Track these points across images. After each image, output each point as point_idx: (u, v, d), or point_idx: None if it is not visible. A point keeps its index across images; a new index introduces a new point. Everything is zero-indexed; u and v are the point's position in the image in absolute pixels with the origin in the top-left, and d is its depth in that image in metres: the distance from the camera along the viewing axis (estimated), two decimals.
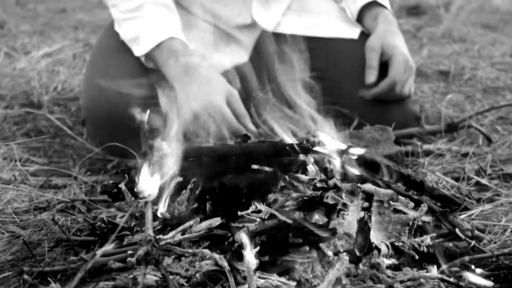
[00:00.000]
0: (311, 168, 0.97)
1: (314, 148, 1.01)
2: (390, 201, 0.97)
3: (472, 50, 3.18)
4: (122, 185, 1.00)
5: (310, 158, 1.00)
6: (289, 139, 1.12)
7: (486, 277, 0.98)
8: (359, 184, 0.97)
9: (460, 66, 2.77)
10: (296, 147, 1.01)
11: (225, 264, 0.89)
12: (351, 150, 1.03)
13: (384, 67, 1.65)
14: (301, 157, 1.00)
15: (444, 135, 1.68)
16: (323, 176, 0.97)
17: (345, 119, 1.62)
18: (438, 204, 1.10)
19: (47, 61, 2.61)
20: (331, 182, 0.94)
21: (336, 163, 1.01)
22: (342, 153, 1.02)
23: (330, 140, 1.04)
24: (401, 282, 0.93)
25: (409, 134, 1.66)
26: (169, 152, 1.02)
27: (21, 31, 3.91)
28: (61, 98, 2.07)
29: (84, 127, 1.75)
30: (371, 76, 1.63)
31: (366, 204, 0.95)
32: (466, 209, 1.17)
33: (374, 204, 0.95)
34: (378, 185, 1.02)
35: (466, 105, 2.06)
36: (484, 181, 1.33)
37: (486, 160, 1.44)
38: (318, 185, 0.94)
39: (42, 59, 2.61)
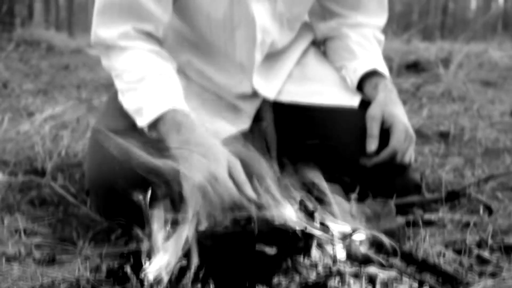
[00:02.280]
0: (314, 252, 0.98)
1: (317, 233, 1.02)
2: (394, 283, 0.98)
3: (471, 110, 3.21)
4: (127, 269, 1.01)
5: (313, 241, 1.01)
6: (290, 211, 1.13)
7: None
8: (362, 267, 0.98)
9: (460, 127, 2.80)
10: (299, 233, 1.01)
11: None
12: (354, 236, 1.04)
13: (384, 135, 1.66)
14: (304, 241, 1.01)
15: (445, 203, 1.69)
16: (326, 261, 0.98)
17: (347, 187, 1.63)
18: (441, 281, 1.10)
19: (51, 124, 2.63)
20: (334, 269, 0.95)
21: (339, 248, 1.01)
22: (345, 237, 1.03)
23: (332, 221, 1.05)
24: None
25: (410, 202, 1.67)
26: (173, 232, 1.03)
27: (24, 90, 3.97)
28: (65, 164, 2.08)
29: (88, 196, 1.76)
30: (372, 145, 1.65)
31: (370, 287, 0.96)
32: (468, 284, 1.18)
33: (378, 286, 0.96)
34: (382, 264, 1.02)
35: (466, 170, 2.07)
36: (485, 253, 1.33)
37: (487, 231, 1.44)
38: (322, 271, 0.95)
39: (45, 122, 2.64)
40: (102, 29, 1.62)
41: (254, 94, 1.78)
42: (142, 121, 1.54)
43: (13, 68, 5.43)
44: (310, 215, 1.08)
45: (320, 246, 1.01)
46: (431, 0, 32.81)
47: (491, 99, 3.58)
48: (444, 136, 2.67)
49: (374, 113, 1.68)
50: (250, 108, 1.79)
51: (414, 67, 4.87)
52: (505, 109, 3.27)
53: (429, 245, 1.32)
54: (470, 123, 2.85)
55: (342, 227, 1.05)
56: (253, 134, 1.77)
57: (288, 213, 1.16)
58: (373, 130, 1.66)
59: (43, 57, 6.98)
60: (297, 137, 1.77)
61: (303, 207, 1.14)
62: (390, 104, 1.70)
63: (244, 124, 1.78)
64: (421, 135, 2.64)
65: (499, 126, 2.83)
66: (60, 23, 39.92)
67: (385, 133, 1.66)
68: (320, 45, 1.97)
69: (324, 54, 1.95)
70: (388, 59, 4.71)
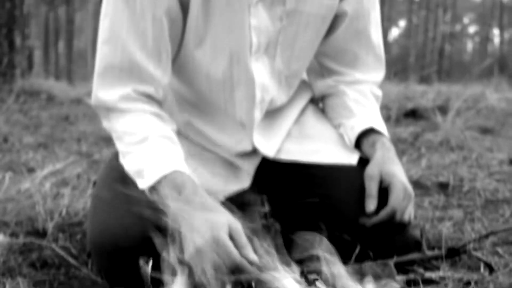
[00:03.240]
0: None
1: None
2: None
3: (470, 159, 3.22)
4: None
5: None
6: (291, 274, 1.13)
7: None
8: None
9: (459, 177, 2.81)
10: None
11: None
12: None
13: (383, 194, 1.67)
14: None
15: (446, 261, 1.69)
16: None
17: (347, 245, 1.64)
18: None
19: (51, 181, 2.64)
20: None
21: None
22: None
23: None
24: None
25: (411, 260, 1.67)
26: None
27: (24, 145, 3.98)
28: (66, 224, 2.09)
29: (90, 258, 1.76)
30: (371, 205, 1.66)
31: None
32: None
33: None
34: None
35: (466, 223, 2.08)
36: None
37: None
38: None
39: (46, 179, 2.65)
40: (103, 91, 1.64)
41: (254, 152, 1.80)
42: (143, 184, 1.55)
43: (13, 121, 5.46)
44: (311, 283, 1.08)
45: None
46: (428, 43, 33.15)
47: (489, 147, 3.60)
48: (443, 187, 2.68)
49: (372, 172, 1.69)
50: (250, 167, 1.81)
51: (412, 114, 4.91)
52: (504, 157, 3.29)
53: None
54: (469, 173, 2.87)
55: None
56: (254, 192, 1.79)
57: (289, 279, 1.16)
58: (372, 190, 1.67)
59: (43, 107, 7.03)
60: (297, 196, 1.78)
61: (303, 275, 1.14)
62: (388, 163, 1.71)
63: (245, 183, 1.80)
64: (421, 187, 2.65)
65: (498, 176, 2.85)
66: (59, 71, 40.23)
67: (384, 192, 1.67)
68: (319, 102, 1.99)
69: (323, 111, 1.97)
70: (386, 108, 4.77)
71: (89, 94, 6.97)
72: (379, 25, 1.87)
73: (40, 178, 2.66)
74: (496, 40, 50.59)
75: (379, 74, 1.92)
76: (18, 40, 8.96)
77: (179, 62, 1.74)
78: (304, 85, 1.96)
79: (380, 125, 1.81)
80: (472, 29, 56.54)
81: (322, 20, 1.74)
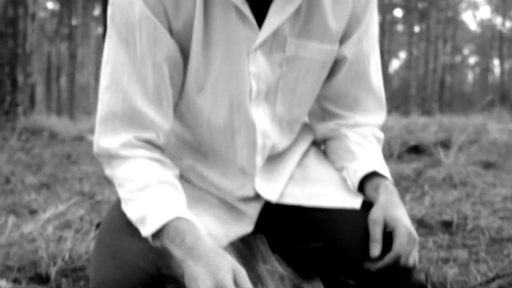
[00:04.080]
0: None
1: None
2: None
3: (473, 196, 3.22)
4: None
5: None
6: None
7: None
8: None
9: (463, 215, 2.80)
10: None
11: None
12: None
13: (387, 238, 1.66)
14: None
15: None
16: None
17: None
18: None
19: (54, 223, 2.64)
20: None
21: None
22: None
23: None
24: None
25: None
26: None
27: (27, 185, 3.99)
28: (69, 269, 2.08)
29: None
30: (376, 249, 1.65)
31: None
32: None
33: None
34: None
35: (471, 264, 2.07)
36: None
37: None
38: None
39: (48, 222, 2.65)
40: (104, 139, 1.64)
41: (257, 197, 1.80)
42: (146, 231, 1.54)
43: (15, 159, 5.47)
44: None
45: None
46: (428, 74, 33.25)
47: (492, 182, 3.59)
48: (447, 225, 2.67)
49: (376, 217, 1.69)
50: (252, 211, 1.80)
51: (414, 150, 4.91)
52: (507, 193, 3.28)
53: None
54: (473, 210, 2.86)
55: None
56: (258, 237, 1.78)
57: None
58: (376, 234, 1.66)
59: (46, 145, 7.05)
60: (301, 240, 1.77)
61: None
62: (391, 207, 1.70)
63: (248, 227, 1.79)
64: (424, 225, 2.64)
65: (502, 213, 2.84)
66: (61, 106, 40.39)
67: (388, 236, 1.66)
68: (321, 145, 1.99)
69: (325, 153, 1.97)
70: (389, 144, 4.77)
71: (91, 130, 6.99)
72: (379, 68, 1.88)
73: (43, 221, 2.66)
74: (497, 70, 50.79)
75: (380, 116, 1.92)
76: (20, 79, 9.02)
77: (181, 108, 1.75)
78: (306, 127, 1.96)
79: (383, 168, 1.81)
80: (472, 60, 56.81)
81: (322, 65, 1.75)
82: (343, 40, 1.76)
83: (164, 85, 1.63)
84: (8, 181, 4.13)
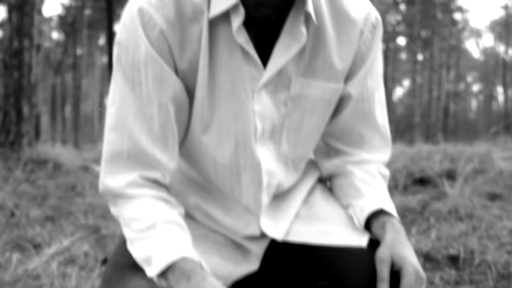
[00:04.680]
0: None
1: None
2: None
3: (480, 229, 3.20)
4: None
5: None
6: None
7: None
8: None
9: (469, 249, 2.78)
10: None
11: None
12: None
13: (394, 276, 1.65)
14: None
15: None
16: None
17: None
18: None
19: (59, 259, 2.63)
20: None
21: None
22: None
23: None
24: None
25: None
26: None
27: (31, 219, 3.98)
28: None
29: None
30: None
31: None
32: None
33: None
34: None
35: None
36: None
37: None
38: None
39: (53, 258, 2.63)
40: (110, 178, 1.64)
41: (262, 235, 1.79)
42: (151, 271, 1.54)
43: (20, 191, 5.47)
44: None
45: None
46: (432, 102, 33.31)
47: (498, 215, 3.57)
48: (454, 260, 2.65)
49: (383, 256, 1.67)
50: (258, 249, 1.79)
51: (420, 181, 4.89)
52: None
53: None
54: (480, 244, 2.84)
55: None
56: (263, 275, 1.77)
57: None
58: (383, 273, 1.65)
59: (50, 176, 7.05)
60: (307, 278, 1.76)
61: None
62: (398, 246, 1.69)
63: (253, 265, 1.78)
64: (431, 260, 2.63)
65: (508, 247, 2.82)
66: (66, 135, 40.53)
67: (395, 275, 1.65)
68: (326, 182, 1.99)
69: (331, 190, 1.96)
70: (393, 176, 4.76)
71: (95, 160, 7.00)
72: (384, 106, 1.88)
73: (47, 256, 2.65)
74: (500, 97, 50.87)
75: (386, 153, 1.92)
76: (26, 109, 9.05)
77: (186, 146, 1.75)
78: (312, 164, 1.95)
79: (389, 206, 1.80)
80: (476, 88, 56.93)
81: (327, 104, 1.75)
82: (348, 78, 1.76)
83: (169, 124, 1.63)
84: (12, 214, 4.13)
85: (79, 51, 38.85)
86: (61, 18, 40.80)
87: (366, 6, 1.75)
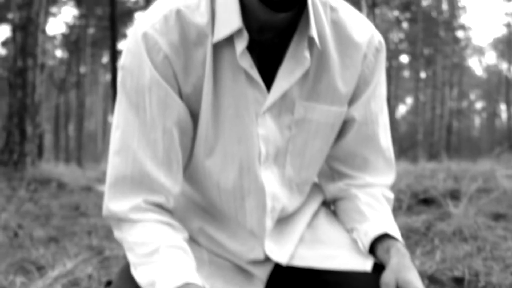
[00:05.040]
0: None
1: None
2: None
3: (484, 250, 3.18)
4: None
5: None
6: None
7: None
8: None
9: (474, 271, 2.76)
10: None
11: None
12: None
13: None
14: None
15: None
16: None
17: None
18: None
19: (62, 282, 2.62)
20: None
21: None
22: None
23: None
24: None
25: None
26: None
27: (35, 240, 3.97)
28: None
29: None
30: None
31: None
32: None
33: None
34: None
35: None
36: None
37: None
38: None
39: (56, 281, 2.63)
40: (114, 203, 1.64)
41: (267, 259, 1.78)
42: None
43: (24, 211, 5.47)
44: None
45: None
46: (435, 120, 33.32)
47: (503, 235, 3.56)
48: (458, 282, 2.64)
49: (388, 280, 1.67)
50: (262, 273, 1.79)
51: (424, 201, 4.89)
52: None
53: None
54: (484, 266, 2.83)
55: None
56: None
57: None
58: None
59: (54, 195, 7.05)
60: None
61: None
62: (403, 270, 1.68)
63: None
64: (436, 282, 2.62)
65: None
66: (70, 153, 40.55)
67: None
68: (330, 205, 1.98)
69: (335, 213, 1.96)
70: (397, 197, 4.75)
71: (99, 179, 6.98)
72: (388, 129, 1.88)
73: (51, 279, 2.64)
74: (504, 115, 50.89)
75: (390, 177, 1.91)
76: (29, 129, 9.07)
77: (190, 170, 1.75)
78: (316, 188, 1.95)
79: (393, 230, 1.79)
80: (479, 105, 56.97)
81: (331, 127, 1.75)
82: (351, 101, 1.76)
83: (174, 148, 1.63)
84: (16, 235, 4.13)
85: (82, 69, 38.99)
86: (65, 37, 40.97)
87: (369, 29, 1.75)
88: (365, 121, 1.80)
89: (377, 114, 1.82)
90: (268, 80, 1.64)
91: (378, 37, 1.76)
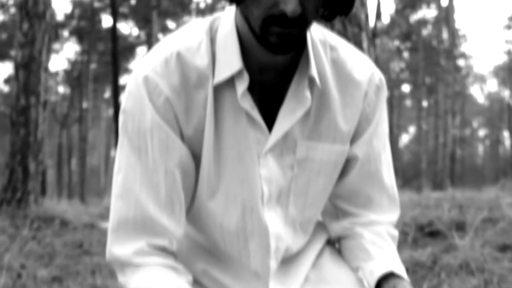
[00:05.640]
0: None
1: None
2: None
3: (491, 283, 3.15)
4: None
5: None
6: None
7: None
8: None
9: None
10: None
11: None
12: None
13: None
14: None
15: None
16: None
17: None
18: None
19: None
20: None
21: None
22: None
23: None
24: None
25: None
26: None
27: (38, 280, 3.95)
28: None
29: None
30: None
31: None
32: None
33: None
34: None
35: None
36: None
37: None
38: None
39: None
40: (117, 247, 1.63)
41: None
42: None
43: (27, 250, 5.44)
44: None
45: None
46: (439, 148, 33.29)
47: (509, 268, 3.53)
48: None
49: None
50: None
51: (429, 233, 4.86)
52: None
53: None
54: None
55: None
56: None
57: None
58: None
59: (57, 233, 7.02)
60: None
61: None
62: None
63: None
64: None
65: None
66: (72, 188, 40.53)
67: None
68: (335, 243, 1.96)
69: (340, 252, 1.94)
70: (403, 230, 4.73)
71: (101, 216, 6.97)
72: (391, 166, 1.87)
73: None
74: (507, 142, 50.88)
75: (394, 214, 1.90)
76: (32, 166, 9.07)
77: (193, 212, 1.74)
78: (320, 226, 1.94)
79: (399, 268, 1.78)
80: (482, 133, 57.00)
81: (334, 166, 1.74)
82: (353, 139, 1.75)
83: (176, 191, 1.62)
84: (19, 275, 4.10)
85: (85, 105, 39.13)
86: (67, 73, 41.20)
87: (369, 67, 1.75)
88: (367, 159, 1.79)
89: (379, 152, 1.81)
90: (269, 120, 1.64)
91: (378, 75, 1.76)
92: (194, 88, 1.60)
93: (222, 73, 1.59)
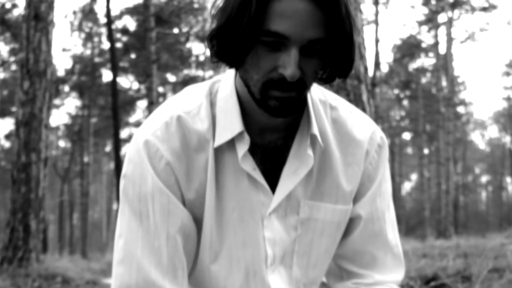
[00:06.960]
0: None
1: None
2: None
3: None
4: None
5: None
6: None
7: None
8: None
9: None
10: None
11: None
12: None
13: None
14: None
15: None
16: None
17: None
18: None
19: None
20: None
21: None
22: None
23: None
24: None
25: None
26: None
27: None
28: None
29: None
30: None
31: None
32: None
33: None
34: None
35: None
36: None
37: None
38: None
39: None
40: None
41: None
42: None
43: None
44: None
45: None
46: (441, 195, 33.16)
47: None
48: None
49: None
50: None
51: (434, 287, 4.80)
52: None
53: None
54: None
55: None
56: None
57: None
58: None
59: None
60: None
61: None
62: None
63: None
64: None
65: None
66: (74, 243, 40.30)
67: None
68: None
69: None
70: (408, 285, 4.67)
71: (104, 272, 6.93)
72: (395, 225, 1.85)
73: None
74: (510, 188, 50.79)
75: (399, 274, 1.87)
76: (33, 224, 9.03)
77: (195, 276, 1.72)
78: (324, 287, 1.91)
79: None
80: (484, 179, 56.89)
81: (337, 226, 1.72)
82: (356, 199, 1.74)
83: (178, 255, 1.60)
84: None
85: (86, 159, 39.13)
86: (68, 127, 41.33)
87: (370, 126, 1.75)
88: (371, 218, 1.77)
89: (383, 211, 1.79)
90: (272, 180, 1.63)
91: (379, 133, 1.75)
92: (195, 151, 1.59)
93: (223, 136, 1.58)
